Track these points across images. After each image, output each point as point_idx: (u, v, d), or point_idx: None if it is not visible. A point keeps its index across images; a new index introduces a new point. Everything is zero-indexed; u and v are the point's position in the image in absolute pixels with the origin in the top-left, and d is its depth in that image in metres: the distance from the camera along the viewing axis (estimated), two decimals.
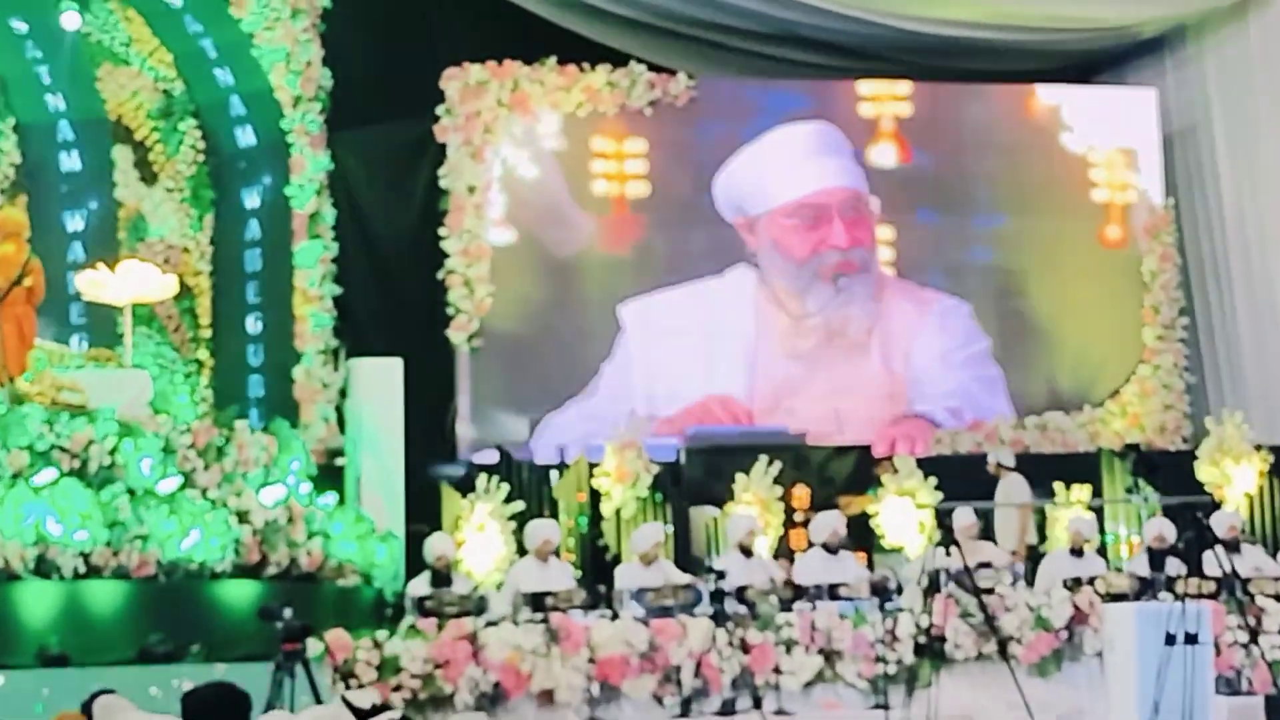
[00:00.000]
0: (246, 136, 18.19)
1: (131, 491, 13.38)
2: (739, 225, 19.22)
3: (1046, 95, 20.47)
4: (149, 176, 18.47)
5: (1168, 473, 18.38)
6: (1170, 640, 11.81)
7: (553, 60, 18.77)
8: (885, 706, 13.10)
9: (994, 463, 17.33)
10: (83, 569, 12.89)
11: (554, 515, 16.62)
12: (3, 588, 12.60)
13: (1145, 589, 14.74)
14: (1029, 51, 20.59)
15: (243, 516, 13.87)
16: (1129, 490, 18.33)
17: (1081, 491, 18.24)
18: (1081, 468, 18.82)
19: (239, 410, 16.72)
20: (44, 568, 12.73)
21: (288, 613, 10.56)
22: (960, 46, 20.20)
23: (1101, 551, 17.84)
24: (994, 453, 17.55)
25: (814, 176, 19.53)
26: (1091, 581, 14.87)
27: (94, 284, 16.37)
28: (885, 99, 20.03)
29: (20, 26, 17.82)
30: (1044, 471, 18.40)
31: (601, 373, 18.97)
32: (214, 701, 5.66)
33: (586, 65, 18.90)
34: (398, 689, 12.28)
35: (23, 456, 13.12)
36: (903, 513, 17.35)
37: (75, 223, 18.12)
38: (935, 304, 19.97)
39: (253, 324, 18.13)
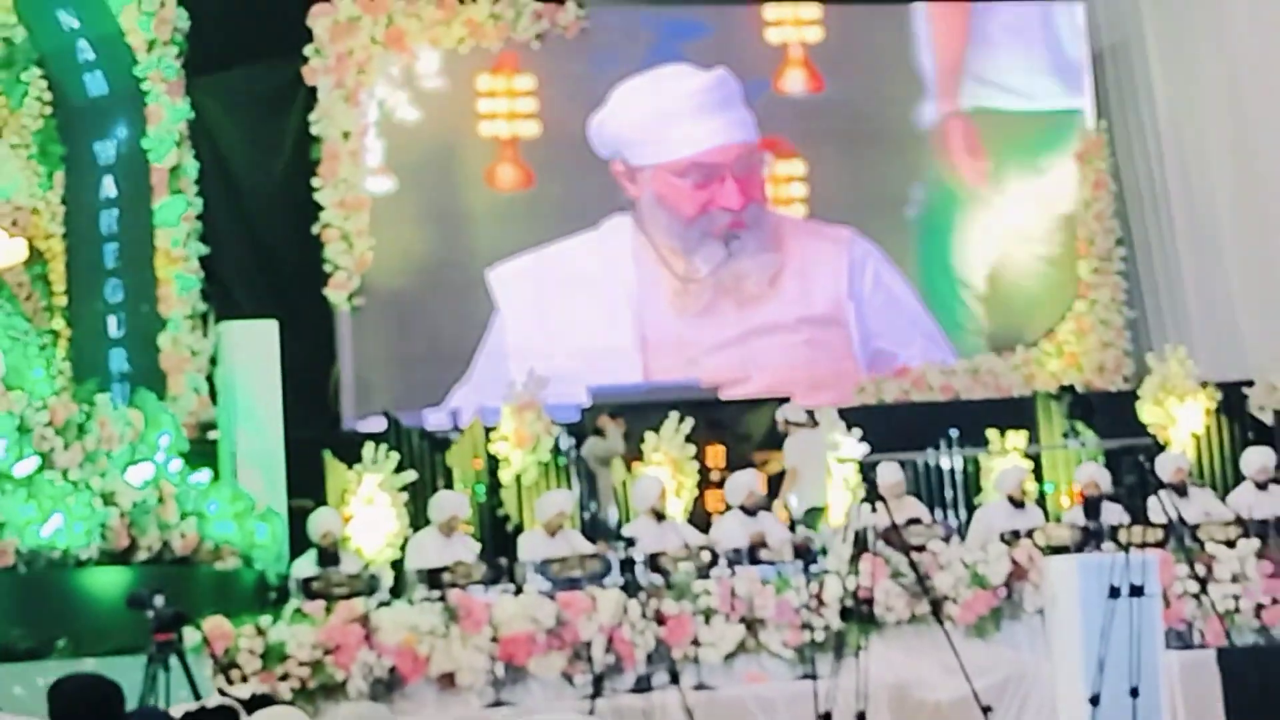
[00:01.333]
0: (97, 85, 18.03)
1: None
2: (617, 171, 19.25)
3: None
4: None
5: (1108, 414, 18.64)
6: (1115, 593, 11.94)
7: None
8: (813, 676, 13.09)
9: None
10: None
11: (449, 485, 16.62)
12: None
13: (1087, 540, 14.84)
14: None
15: (108, 498, 13.81)
16: (1066, 435, 18.52)
17: (1017, 438, 18.39)
18: (1016, 413, 18.98)
19: (100, 384, 16.67)
20: None
21: (159, 600, 10.52)
22: None
23: (1040, 502, 17.99)
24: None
25: (706, 134, 19.53)
26: (1030, 534, 14.94)
27: None
28: (793, 22, 20.06)
29: None
30: (977, 418, 18.56)
31: (488, 333, 18.91)
32: (82, 694, 5.63)
33: None
34: (284, 678, 12.27)
35: None
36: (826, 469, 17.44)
37: None
38: (846, 243, 20.01)
39: (112, 290, 18.02)
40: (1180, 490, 15.98)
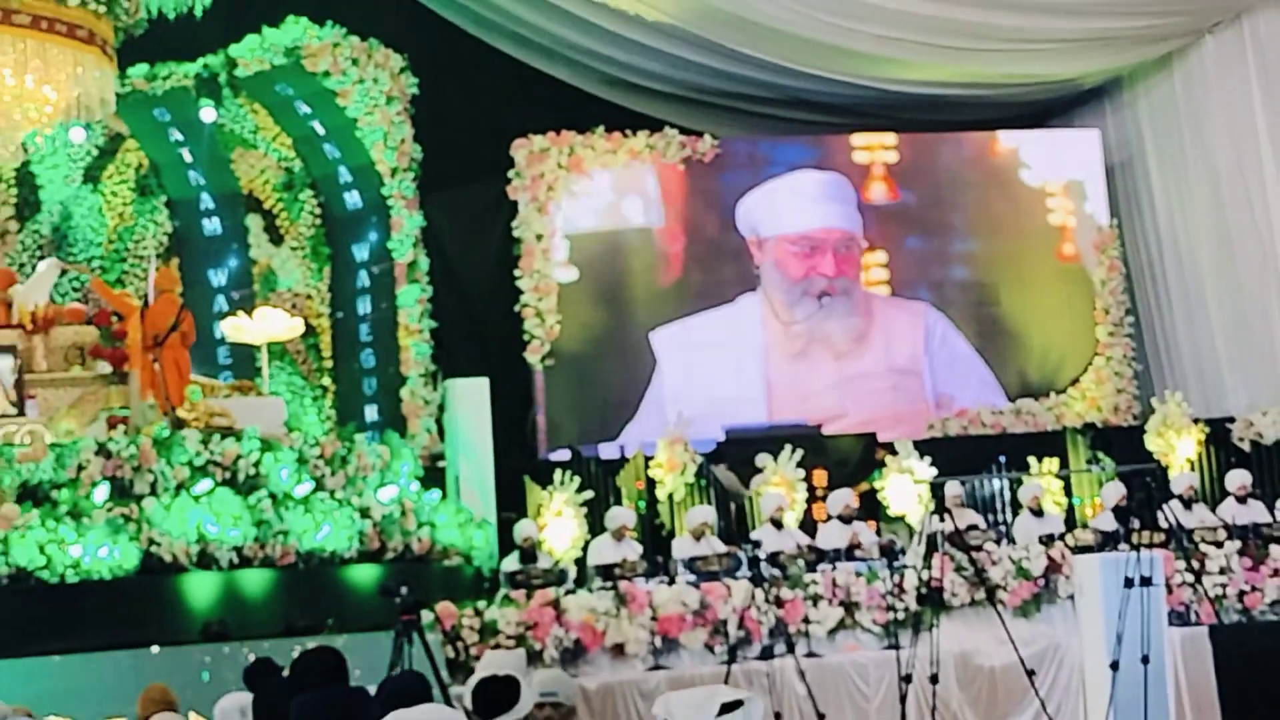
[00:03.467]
0: (354, 201, 18.25)
1: (273, 496, 13.48)
2: (750, 242, 19.23)
3: (1007, 139, 20.41)
4: (276, 238, 18.55)
5: (1121, 445, 18.49)
6: (1129, 583, 11.84)
7: (601, 129, 18.78)
8: (896, 646, 13.09)
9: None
10: (236, 561, 13.01)
11: (618, 501, 16.65)
12: (173, 578, 12.74)
13: (1107, 542, 14.74)
14: (991, 103, 20.58)
15: (364, 512, 13.95)
16: (1089, 461, 18.40)
17: (1050, 464, 18.22)
18: (1050, 444, 18.82)
19: (358, 426, 16.82)
20: (205, 561, 12.85)
21: (404, 589, 10.60)
22: (935, 102, 20.22)
23: (1069, 514, 17.85)
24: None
25: (817, 216, 19.52)
26: (1061, 537, 14.89)
27: (236, 328, 16.50)
28: (875, 148, 20.00)
29: (166, 119, 18.00)
30: (1020, 448, 18.44)
31: (650, 384, 18.93)
32: (321, 658, 5.68)
33: (629, 131, 18.92)
34: (495, 647, 12.31)
35: (184, 471, 13.24)
36: (903, 487, 17.35)
37: (219, 278, 18.24)
38: (921, 313, 19.95)
39: (365, 357, 18.19)
40: (1187, 502, 15.99)
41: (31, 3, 14.23)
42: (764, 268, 19.30)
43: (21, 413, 14.09)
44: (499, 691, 5.46)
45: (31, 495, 12.76)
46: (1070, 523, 17.02)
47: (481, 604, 12.97)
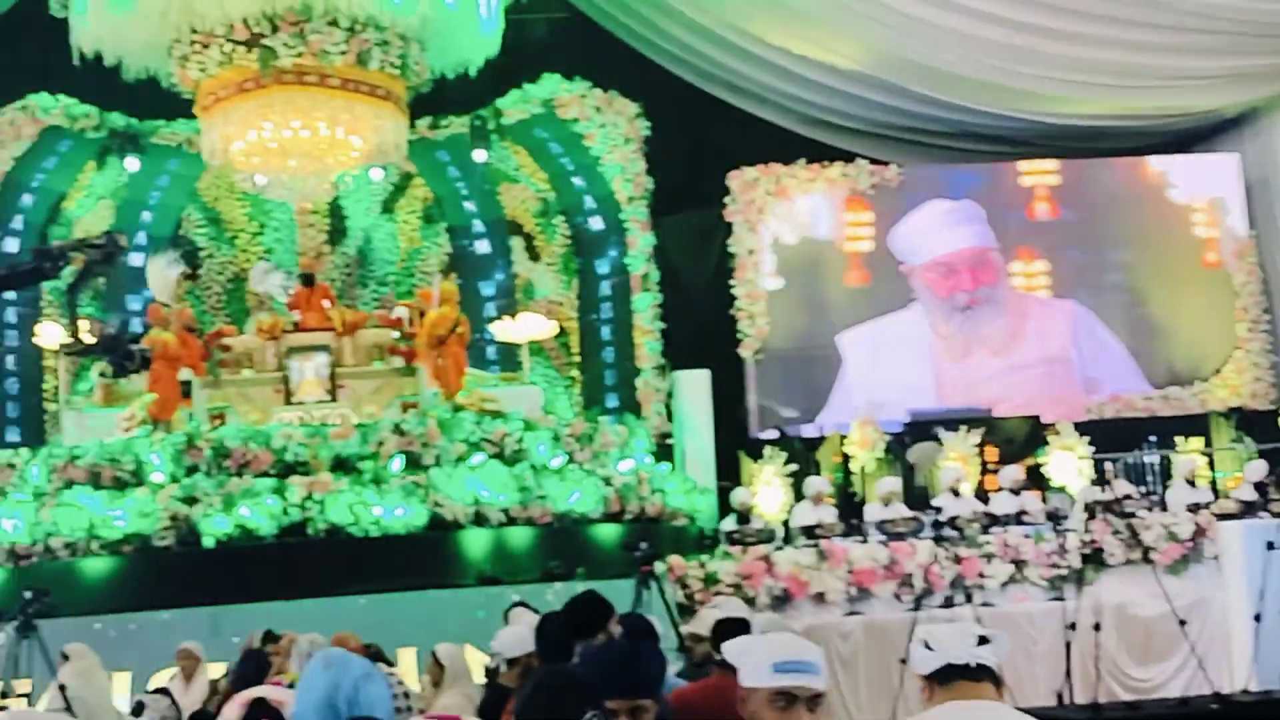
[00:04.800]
0: (598, 225, 18.53)
1: (534, 467, 13.78)
2: (903, 270, 19.01)
3: (1156, 163, 19.86)
4: (534, 256, 18.90)
5: (1260, 427, 17.96)
6: (1270, 546, 11.58)
7: (803, 161, 18.78)
8: (1061, 599, 12.92)
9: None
10: (504, 520, 13.33)
11: (817, 472, 16.66)
12: (454, 534, 13.11)
13: (1249, 510, 14.32)
14: (1141, 132, 20.05)
15: (608, 481, 14.18)
16: (1234, 440, 17.92)
17: (1195, 443, 17.78)
18: (1195, 426, 18.35)
19: (601, 410, 17.11)
20: (479, 520, 13.20)
21: (644, 544, 10.82)
22: (1091, 132, 19.78)
23: (1214, 485, 17.38)
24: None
25: (949, 240, 19.19)
26: (1207, 505, 14.52)
27: (502, 329, 16.93)
28: (1039, 173, 19.65)
29: (446, 159, 18.50)
30: (1169, 429, 18.05)
31: (839, 376, 18.87)
32: (591, 599, 5.86)
33: (826, 162, 18.89)
34: (718, 594, 12.43)
35: (462, 446, 13.62)
36: (1065, 462, 17.06)
37: (488, 289, 18.64)
38: (1069, 310, 19.54)
39: (607, 353, 18.46)
40: None
41: (343, 69, 14.78)
42: (917, 289, 19.10)
43: (334, 399, 14.65)
44: (734, 629, 5.60)
45: (342, 465, 13.26)
46: (1214, 495, 16.58)
47: (705, 558, 13.07)
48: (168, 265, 15.90)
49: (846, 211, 19.00)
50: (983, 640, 3.32)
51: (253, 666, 7.72)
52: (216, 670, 10.45)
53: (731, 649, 3.60)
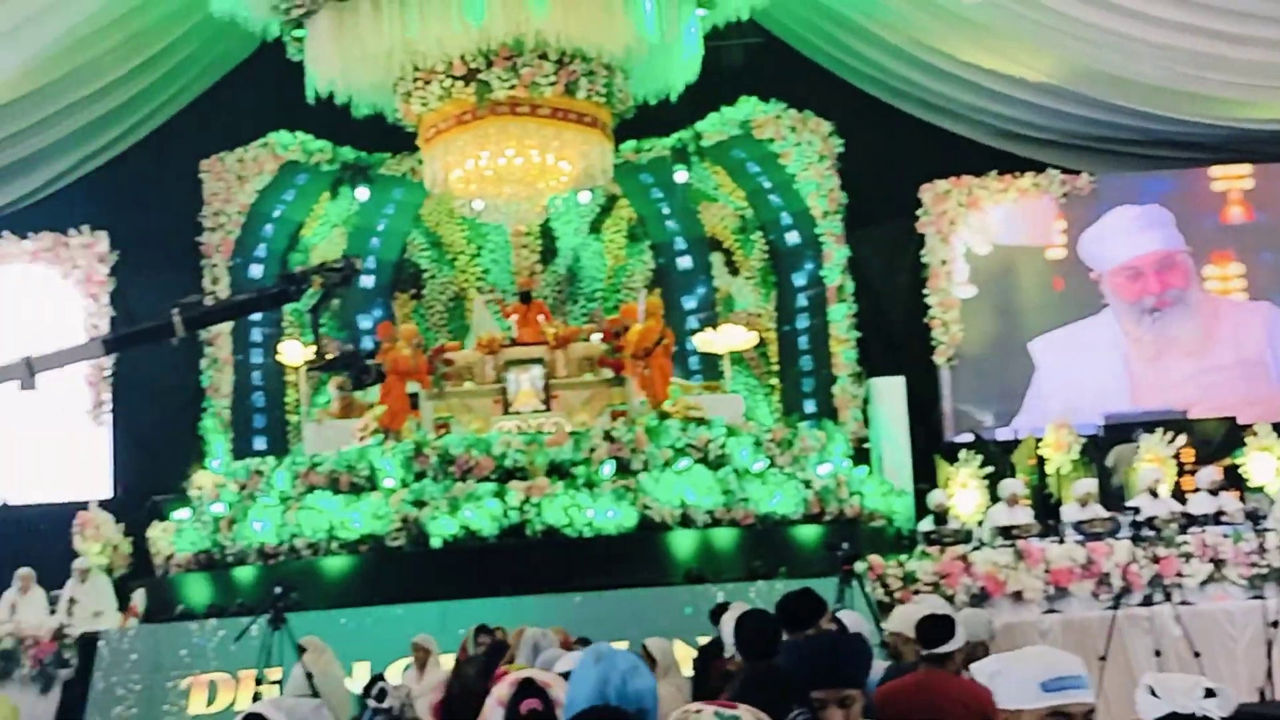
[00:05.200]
0: (794, 239, 18.48)
1: (737, 471, 13.82)
2: (1093, 277, 18.46)
3: None
4: (734, 270, 18.95)
5: None
6: None
7: (994, 172, 18.46)
8: (1261, 597, 12.46)
9: None
10: (709, 521, 13.39)
11: (1012, 475, 16.33)
12: (661, 535, 13.21)
13: None
14: None
15: (807, 484, 14.14)
16: None
17: None
18: None
19: (799, 416, 17.05)
20: (686, 521, 13.28)
21: (845, 545, 10.76)
22: None
23: None
24: None
25: (1135, 245, 18.57)
26: None
27: (705, 341, 17.01)
28: (1232, 178, 18.94)
29: (649, 181, 18.67)
30: None
31: (1032, 381, 18.45)
32: (804, 595, 5.84)
33: (1018, 173, 18.53)
34: (917, 593, 12.31)
35: (669, 452, 13.72)
36: (1264, 463, 16.40)
37: (690, 303, 18.74)
38: (1265, 312, 18.75)
39: (805, 361, 18.39)
40: None
41: (552, 98, 15.03)
42: (1106, 293, 18.56)
43: (548, 409, 14.90)
44: (937, 625, 5.53)
45: (557, 471, 13.47)
46: None
47: (903, 557, 12.95)
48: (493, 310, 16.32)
49: (1040, 221, 18.59)
50: (1209, 693, 3.14)
51: (493, 655, 7.94)
52: (447, 661, 10.70)
53: (983, 670, 3.34)
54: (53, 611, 13.77)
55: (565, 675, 3.50)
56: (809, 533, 13.78)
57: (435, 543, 13.05)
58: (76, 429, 17.28)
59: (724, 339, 16.74)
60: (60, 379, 15.93)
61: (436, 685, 10.06)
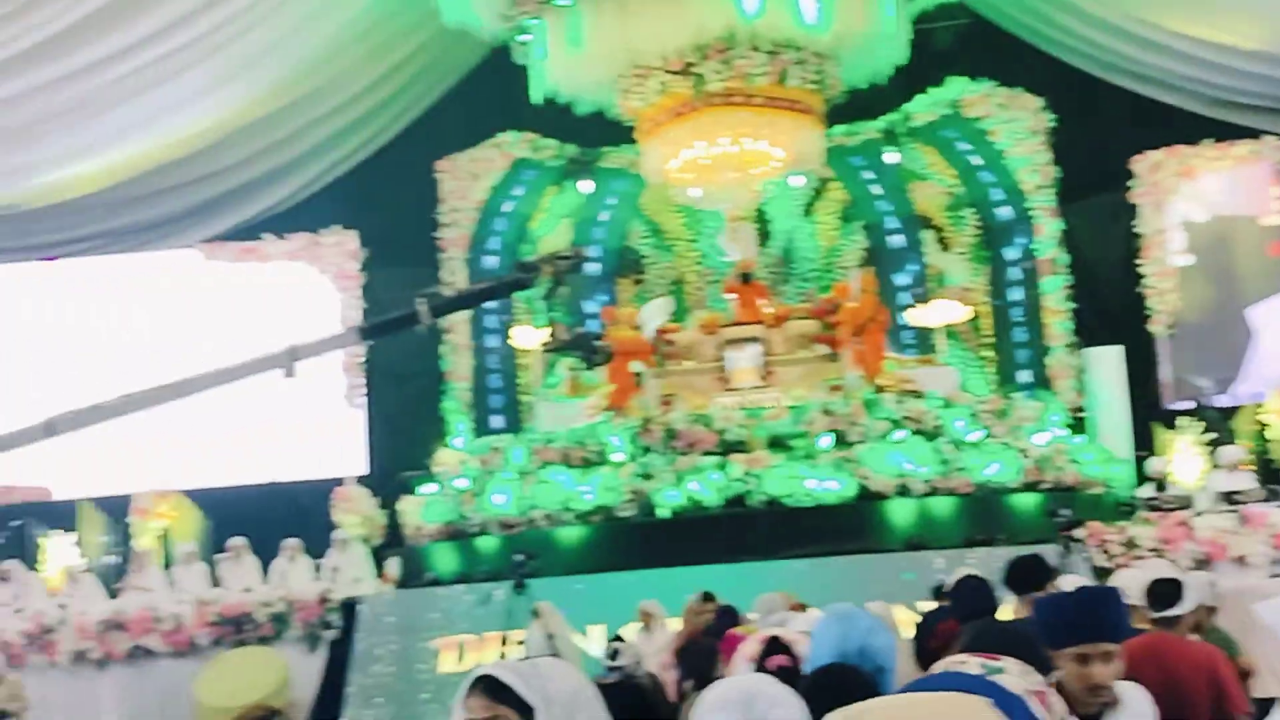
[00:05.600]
0: (1005, 214, 17.98)
1: (953, 441, 13.57)
2: None
3: None
4: (945, 247, 18.55)
5: None
6: None
7: (1209, 140, 17.63)
8: None
9: None
10: (927, 490, 13.19)
11: (1231, 442, 15.59)
12: (879, 504, 13.08)
13: None
14: None
15: (1024, 452, 13.81)
16: None
17: None
18: None
19: (1015, 388, 16.62)
20: (903, 490, 13.11)
21: (1065, 511, 10.46)
22: None
23: None
24: None
25: None
26: None
27: (918, 316, 16.72)
28: None
29: (860, 163, 18.41)
30: None
31: (1251, 348, 17.55)
32: (1030, 560, 5.68)
33: (1233, 141, 17.64)
34: (1139, 558, 11.86)
35: (885, 424, 13.57)
36: None
37: (902, 280, 18.40)
38: None
39: (1017, 333, 17.88)
40: None
41: (765, 88, 15.00)
42: None
43: (767, 385, 14.86)
44: (1166, 589, 5.34)
45: (777, 444, 13.46)
46: None
47: (1123, 523, 12.53)
48: (658, 311, 16.41)
49: (1256, 188, 17.67)
50: None
51: (725, 620, 8.02)
52: (673, 624, 10.77)
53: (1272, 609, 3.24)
54: (317, 578, 14.35)
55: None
56: (1027, 500, 13.45)
57: (663, 513, 13.17)
58: (334, 412, 17.95)
59: (937, 314, 16.42)
60: (319, 367, 16.61)
61: (664, 645, 10.19)
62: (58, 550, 15.86)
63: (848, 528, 12.86)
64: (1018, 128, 17.41)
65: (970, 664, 1.95)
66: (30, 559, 15.61)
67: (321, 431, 17.79)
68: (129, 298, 18.39)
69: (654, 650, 10.13)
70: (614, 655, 8.82)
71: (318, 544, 14.83)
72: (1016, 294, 17.86)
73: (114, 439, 14.72)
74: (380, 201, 18.24)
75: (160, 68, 15.96)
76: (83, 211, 18.22)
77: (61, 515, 16.52)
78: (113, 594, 14.59)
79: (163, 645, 13.43)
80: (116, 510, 16.34)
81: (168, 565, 15.10)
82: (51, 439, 7.01)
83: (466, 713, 2.81)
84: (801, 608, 8.56)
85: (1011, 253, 17.94)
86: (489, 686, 2.78)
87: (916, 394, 14.09)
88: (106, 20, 15.14)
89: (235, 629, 13.39)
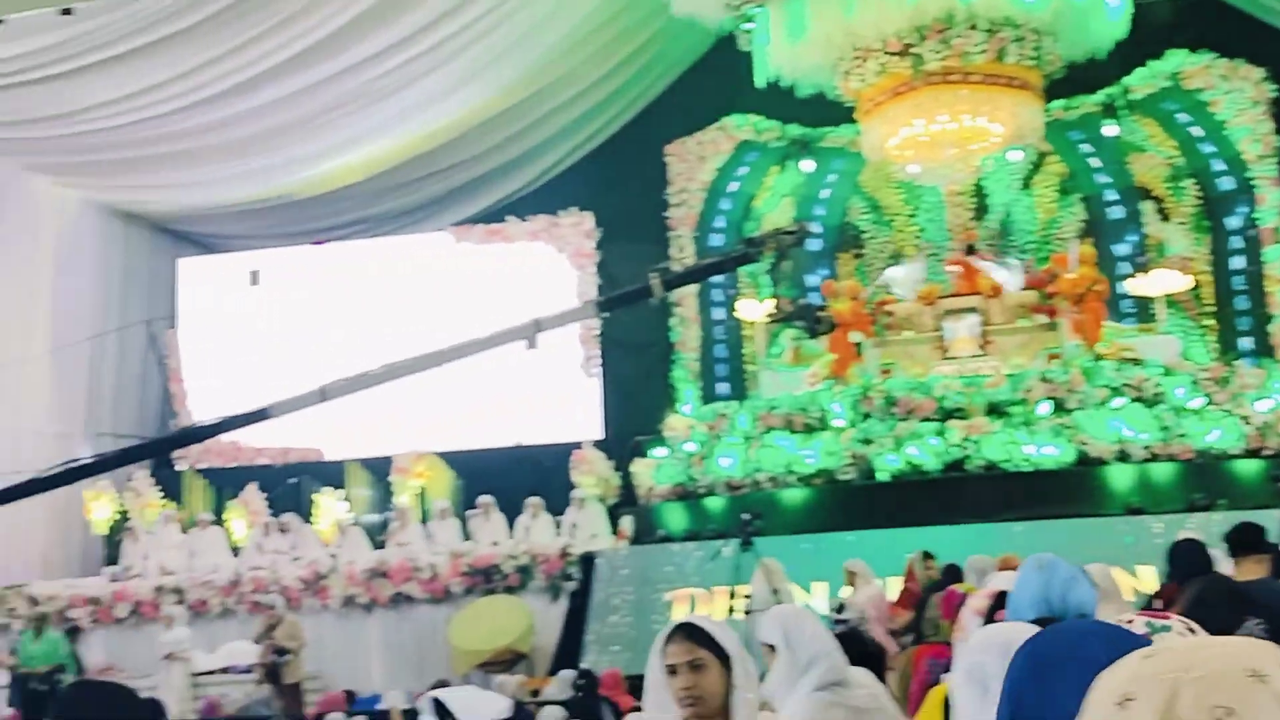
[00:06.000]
0: (1226, 184, 17.14)
1: (1174, 408, 13.09)
2: None
3: None
4: (1165, 217, 17.80)
5: None
6: None
7: None
8: None
9: None
10: (1147, 457, 12.77)
11: None
12: (1098, 469, 12.73)
13: None
14: None
15: (1246, 420, 13.22)
16: None
17: None
18: None
19: (1236, 355, 15.87)
20: (1123, 457, 12.73)
21: None
22: None
23: None
24: None
25: None
26: None
27: (1137, 285, 16.12)
28: None
29: (1078, 137, 17.80)
30: None
31: None
32: (1252, 525, 5.47)
33: None
34: None
35: (1103, 391, 13.17)
36: None
37: (1121, 250, 17.75)
38: None
39: (1239, 301, 17.04)
40: None
41: (983, 65, 14.66)
42: None
43: (984, 354, 14.57)
44: None
45: (995, 410, 13.21)
46: None
47: None
48: (912, 273, 16.26)
49: None
50: None
51: (948, 578, 7.98)
52: (881, 582, 10.77)
53: None
54: (558, 534, 14.73)
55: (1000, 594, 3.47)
56: (1248, 467, 12.90)
57: (882, 476, 13.09)
58: (572, 381, 18.36)
59: (1157, 283, 15.79)
60: (558, 338, 17.00)
61: (869, 600, 10.20)
62: (329, 506, 16.67)
63: (1066, 492, 12.56)
64: (1239, 99, 16.58)
65: (1137, 622, 1.91)
66: (305, 513, 16.47)
67: (561, 399, 18.20)
68: (388, 277, 19.16)
69: (860, 603, 10.18)
70: (840, 609, 8.92)
71: (558, 503, 15.22)
72: (1238, 263, 17.04)
73: (378, 405, 15.37)
74: (614, 184, 18.54)
75: (413, 67, 16.56)
76: (346, 199, 19.08)
77: (332, 474, 17.37)
78: (377, 546, 15.29)
79: (421, 592, 14.02)
80: (380, 470, 17.09)
81: (424, 520, 15.71)
82: (324, 404, 7.43)
83: (666, 659, 2.98)
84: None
85: (1233, 222, 17.11)
86: (689, 633, 2.97)
87: (1136, 362, 13.62)
88: (365, 26, 15.78)
89: (485, 579, 13.88)
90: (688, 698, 2.94)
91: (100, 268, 19.10)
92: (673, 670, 2.98)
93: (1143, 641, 1.75)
